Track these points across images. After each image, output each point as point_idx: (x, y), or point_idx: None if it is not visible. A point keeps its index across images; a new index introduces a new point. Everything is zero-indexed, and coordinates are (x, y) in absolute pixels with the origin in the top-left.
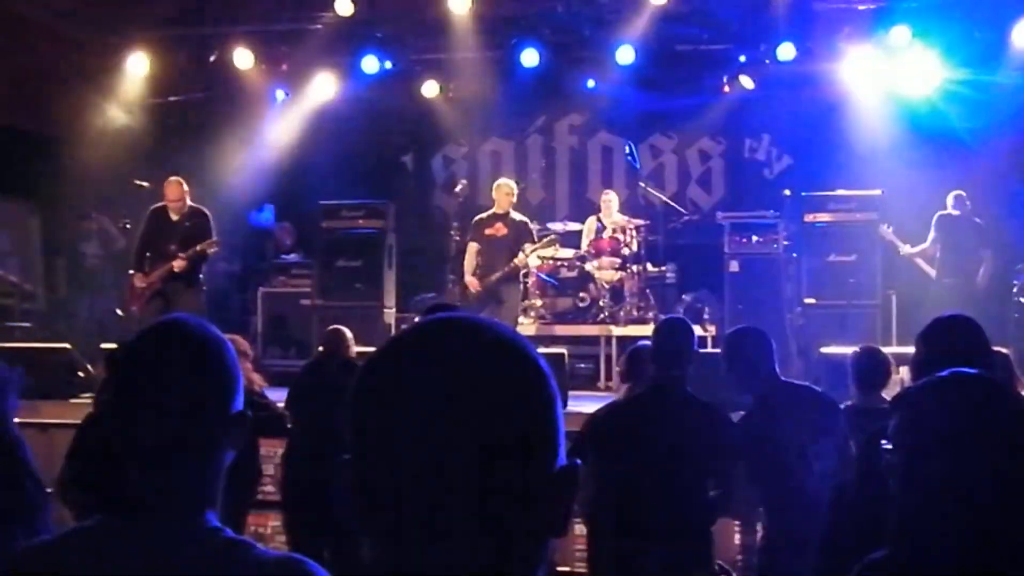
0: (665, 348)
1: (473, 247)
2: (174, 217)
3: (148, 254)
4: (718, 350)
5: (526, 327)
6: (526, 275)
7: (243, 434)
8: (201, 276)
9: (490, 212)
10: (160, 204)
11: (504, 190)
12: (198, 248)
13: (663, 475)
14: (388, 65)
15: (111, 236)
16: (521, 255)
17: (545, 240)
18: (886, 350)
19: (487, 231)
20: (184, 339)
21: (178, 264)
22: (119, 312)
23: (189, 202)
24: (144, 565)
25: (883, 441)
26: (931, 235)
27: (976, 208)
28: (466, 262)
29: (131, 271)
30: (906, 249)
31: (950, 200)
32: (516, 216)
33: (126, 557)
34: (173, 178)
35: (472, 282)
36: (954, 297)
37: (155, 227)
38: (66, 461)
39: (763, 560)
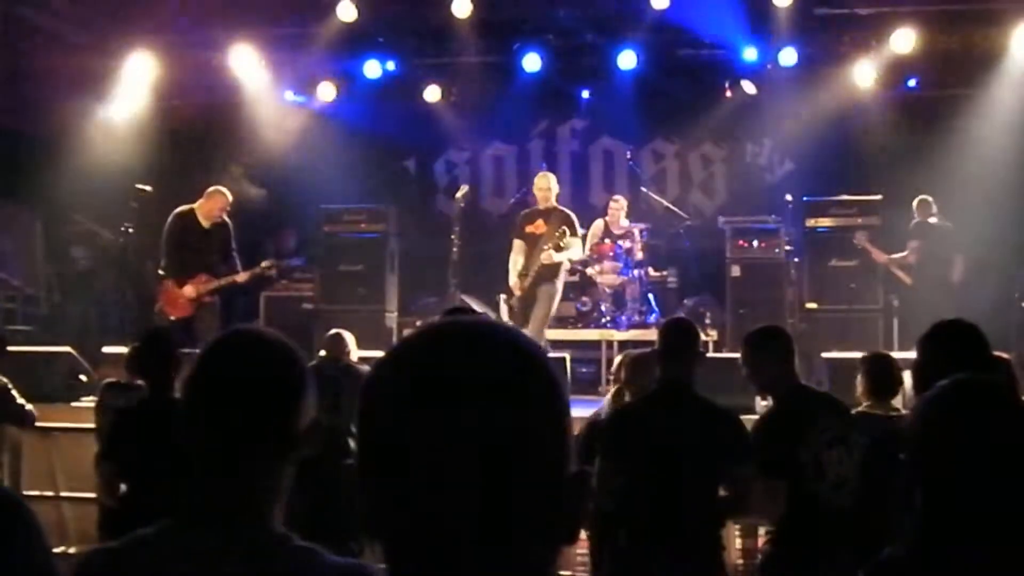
0: (671, 349)
1: (516, 244)
2: (206, 224)
3: (183, 262)
4: (719, 355)
5: (527, 331)
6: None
7: (314, 443)
8: None
9: (533, 208)
10: (185, 208)
11: (539, 184)
12: (262, 267)
13: (671, 478)
14: (391, 66)
15: (97, 235)
16: (545, 253)
17: (558, 234)
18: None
19: (528, 228)
20: (260, 350)
21: (243, 278)
22: (155, 318)
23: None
24: (215, 570)
25: (888, 447)
26: (913, 243)
27: (976, 213)
28: (511, 261)
29: (166, 277)
30: (883, 257)
31: (920, 206)
32: (559, 210)
33: (197, 562)
34: (220, 188)
35: (515, 284)
36: (958, 301)
37: (186, 234)
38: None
39: (766, 565)
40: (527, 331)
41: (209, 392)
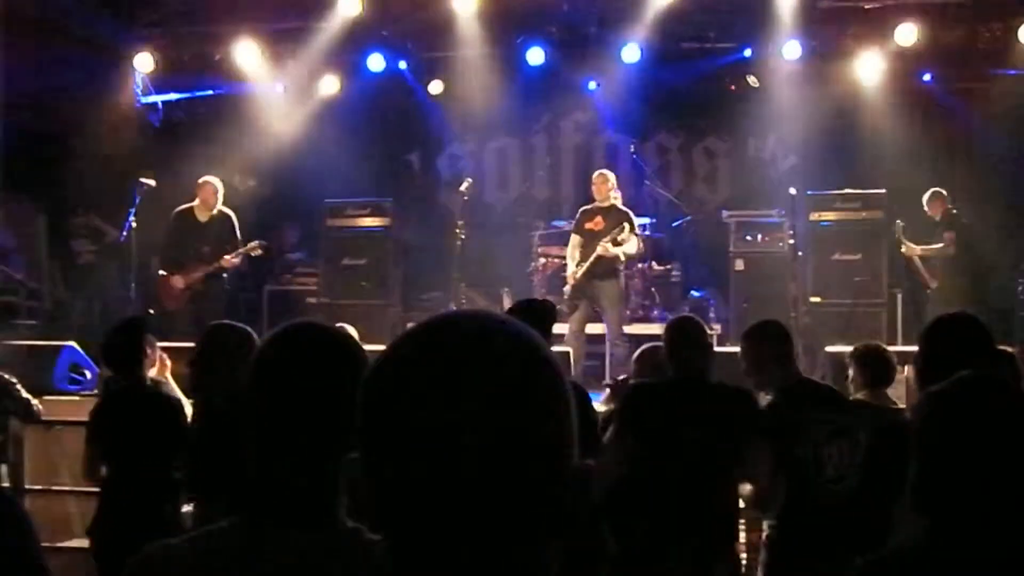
0: (681, 347)
1: (575, 239)
2: (202, 218)
3: (176, 256)
4: (723, 349)
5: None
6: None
7: None
8: (225, 275)
9: (592, 205)
10: (186, 206)
11: (597, 181)
12: (248, 248)
13: (686, 464)
14: (394, 61)
15: (101, 231)
16: (601, 246)
17: (616, 230)
18: (892, 349)
19: (587, 224)
20: (326, 344)
21: (229, 263)
22: (151, 311)
23: (220, 205)
24: (290, 567)
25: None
26: (949, 234)
27: (980, 206)
28: (568, 254)
29: (161, 271)
30: (916, 250)
31: (937, 198)
32: (618, 208)
33: (271, 558)
34: (209, 178)
35: (570, 275)
36: (959, 297)
37: (183, 228)
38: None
39: (768, 558)
40: (609, 333)
41: (274, 387)
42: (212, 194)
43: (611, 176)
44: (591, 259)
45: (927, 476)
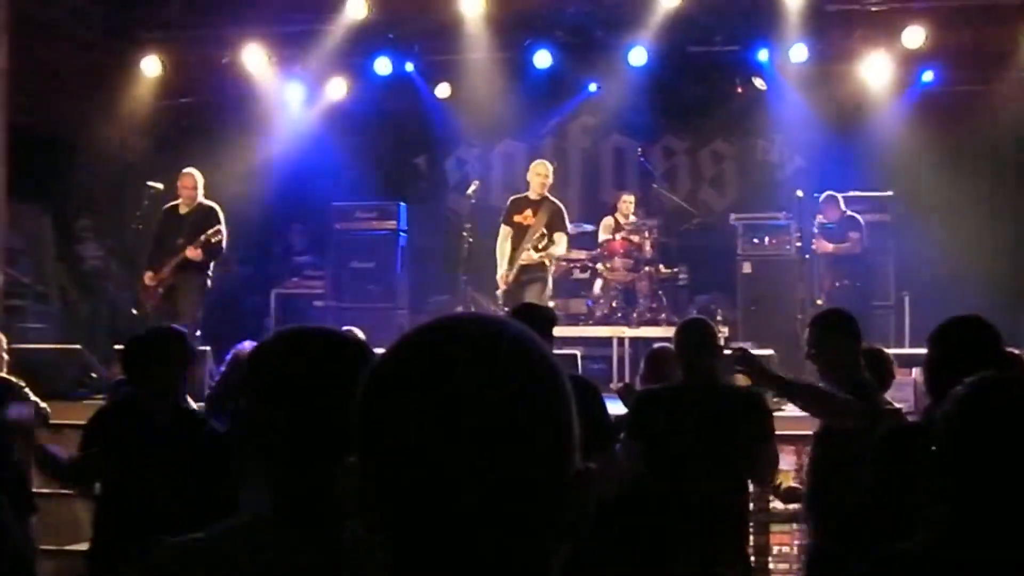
0: (691, 349)
1: (504, 231)
2: (183, 210)
3: (158, 253)
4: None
5: None
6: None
7: None
8: (209, 269)
9: (523, 195)
10: (173, 203)
11: (536, 171)
12: (207, 235)
13: (703, 467)
14: (402, 64)
15: (108, 235)
16: (526, 253)
17: (536, 236)
18: (900, 351)
19: (516, 216)
20: (327, 346)
21: (192, 252)
22: (135, 312)
23: (201, 197)
24: (295, 570)
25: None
26: (854, 235)
27: (985, 208)
28: (498, 248)
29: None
30: (828, 247)
31: (833, 201)
32: (549, 202)
33: (276, 561)
34: (188, 169)
35: (502, 277)
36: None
37: (165, 224)
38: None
39: (810, 561)
40: None
41: (276, 390)
42: (190, 186)
43: (550, 166)
44: (517, 267)
45: (955, 476)
